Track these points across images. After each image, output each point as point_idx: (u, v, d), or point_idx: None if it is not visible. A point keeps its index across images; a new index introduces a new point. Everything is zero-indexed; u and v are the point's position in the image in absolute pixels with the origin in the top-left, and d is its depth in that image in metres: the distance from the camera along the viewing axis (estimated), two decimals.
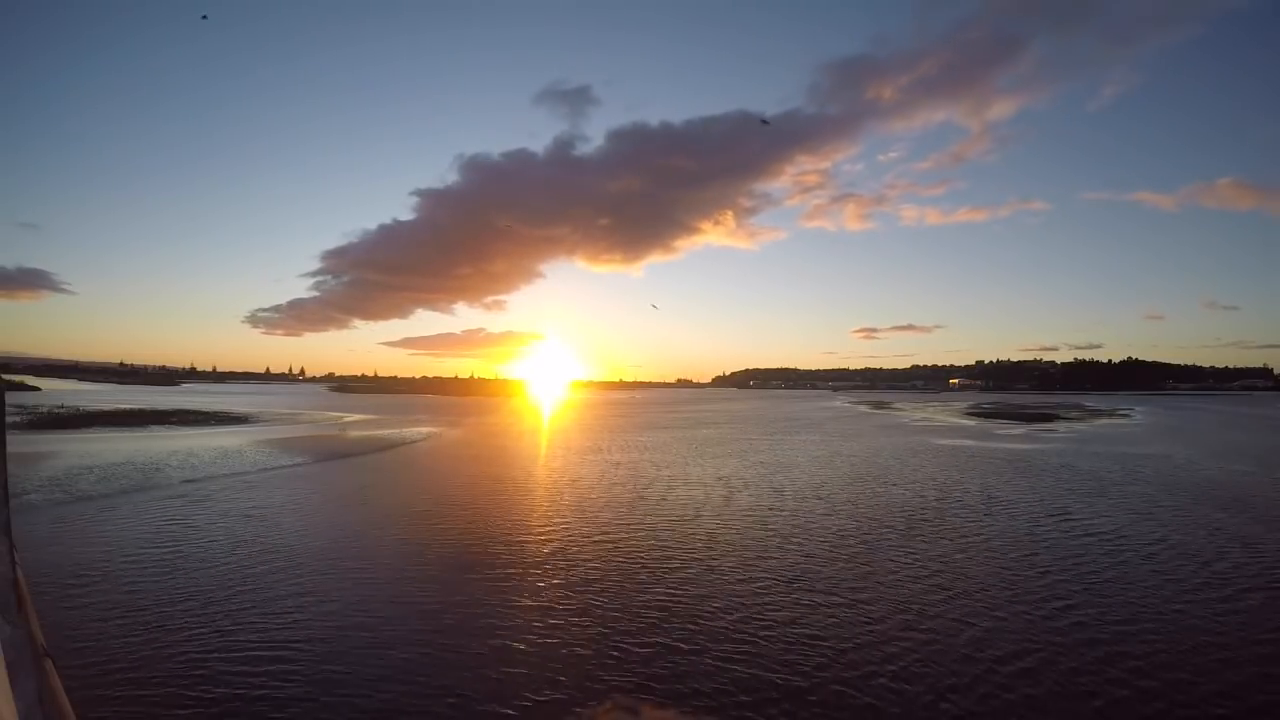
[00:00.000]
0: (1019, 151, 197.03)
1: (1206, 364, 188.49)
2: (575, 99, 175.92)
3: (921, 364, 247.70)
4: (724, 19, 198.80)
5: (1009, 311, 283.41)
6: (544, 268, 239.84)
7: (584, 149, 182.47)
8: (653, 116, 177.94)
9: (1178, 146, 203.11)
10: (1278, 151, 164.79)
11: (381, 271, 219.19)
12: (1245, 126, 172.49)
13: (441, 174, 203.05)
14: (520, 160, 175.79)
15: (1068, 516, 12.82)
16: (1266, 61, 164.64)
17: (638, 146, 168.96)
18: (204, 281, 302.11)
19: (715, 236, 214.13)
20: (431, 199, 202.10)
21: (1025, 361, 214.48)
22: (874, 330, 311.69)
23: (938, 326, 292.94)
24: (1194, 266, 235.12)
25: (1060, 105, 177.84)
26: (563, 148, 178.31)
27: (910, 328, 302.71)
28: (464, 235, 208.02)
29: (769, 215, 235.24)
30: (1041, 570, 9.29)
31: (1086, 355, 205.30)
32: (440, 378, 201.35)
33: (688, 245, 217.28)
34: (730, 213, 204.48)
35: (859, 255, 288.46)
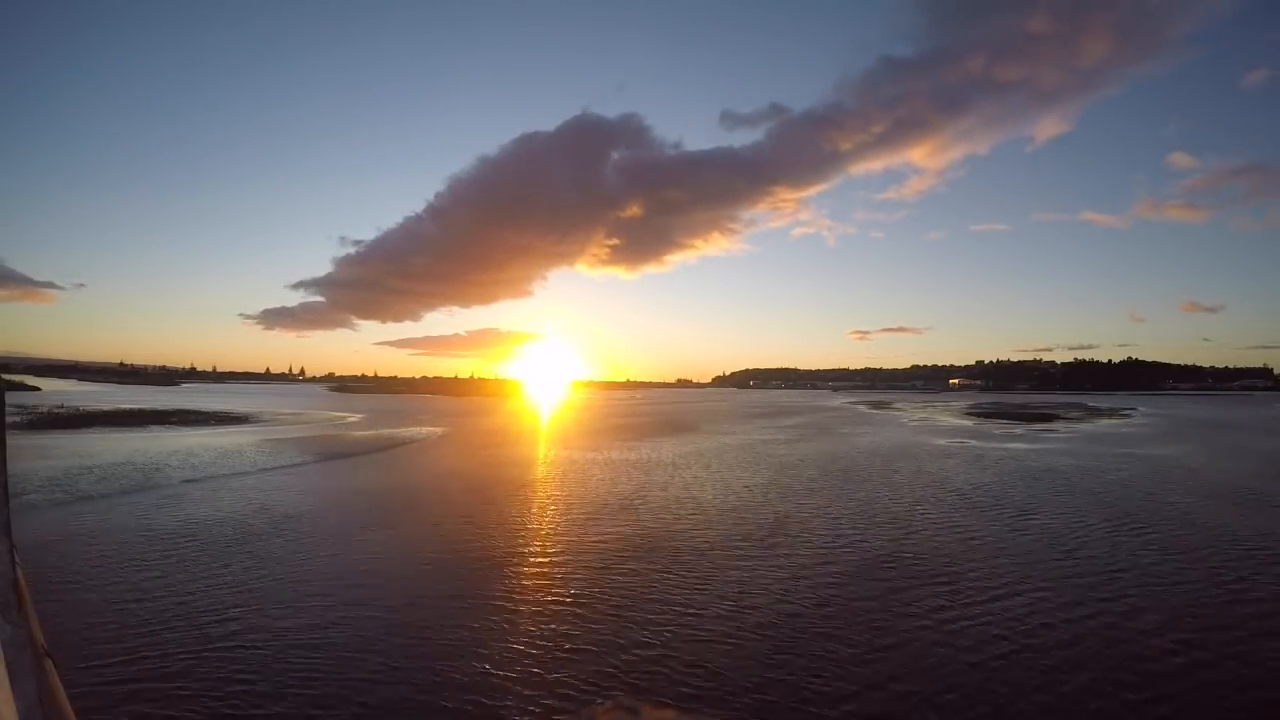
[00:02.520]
0: (970, 184, 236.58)
1: (1204, 364, 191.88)
2: (599, 128, 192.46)
3: (921, 364, 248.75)
4: (706, 72, 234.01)
5: (1001, 314, 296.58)
6: (548, 274, 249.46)
7: (598, 176, 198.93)
8: (653, 150, 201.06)
9: (1111, 176, 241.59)
10: (1201, 180, 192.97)
11: (387, 273, 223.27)
12: (1163, 160, 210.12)
13: (452, 183, 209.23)
14: (539, 181, 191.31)
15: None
16: (1182, 110, 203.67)
17: (640, 177, 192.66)
18: (204, 282, 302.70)
19: (706, 250, 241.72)
20: (442, 206, 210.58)
21: (1025, 361, 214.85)
22: (866, 333, 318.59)
23: (928, 328, 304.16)
24: (1170, 272, 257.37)
25: (1000, 149, 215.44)
26: (581, 173, 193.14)
27: (901, 329, 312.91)
28: (473, 243, 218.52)
29: (754, 235, 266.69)
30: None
31: (1083, 356, 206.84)
32: (441, 378, 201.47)
33: (681, 258, 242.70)
34: (717, 232, 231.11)
35: (845, 264, 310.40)
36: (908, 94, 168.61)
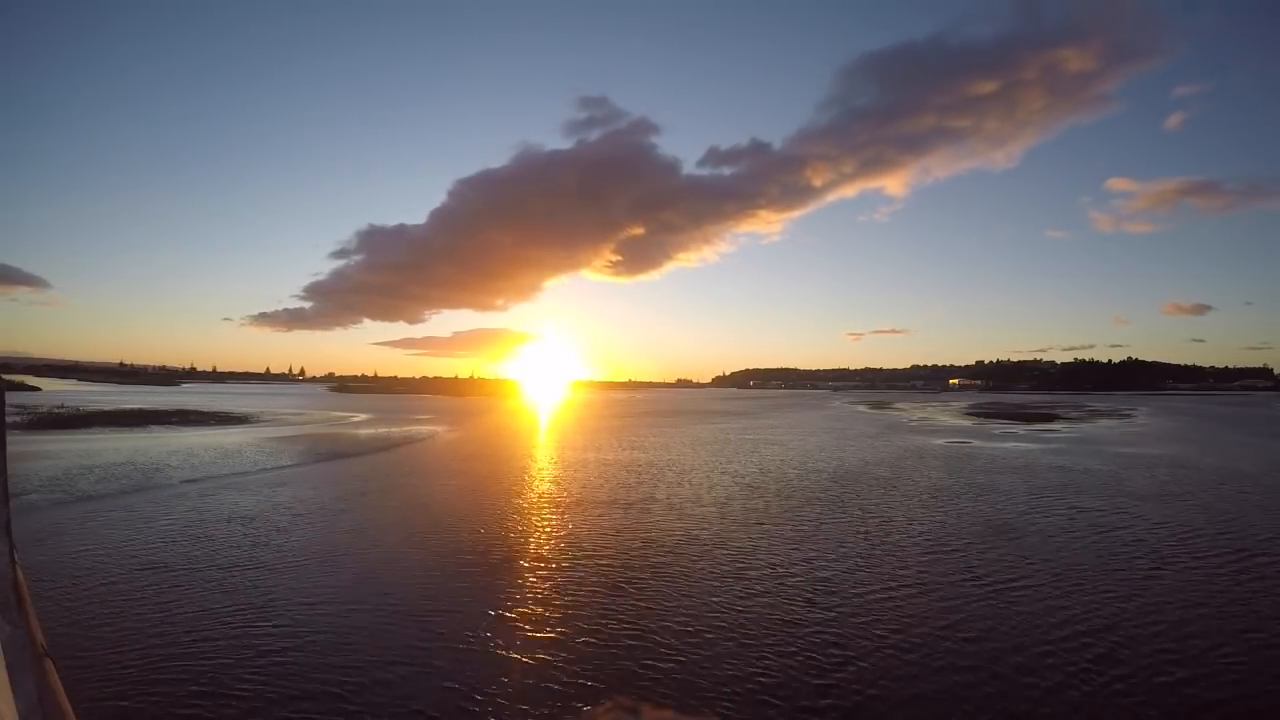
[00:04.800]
0: (938, 206, 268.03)
1: (1198, 364, 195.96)
2: (615, 158, 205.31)
3: (921, 364, 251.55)
4: (696, 106, 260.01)
5: (992, 316, 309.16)
6: (550, 281, 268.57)
7: (611, 202, 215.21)
8: (659, 179, 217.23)
9: (1061, 199, 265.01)
10: (1145, 201, 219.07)
11: (388, 276, 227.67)
12: (1103, 185, 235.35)
13: (460, 191, 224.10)
14: (553, 201, 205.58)
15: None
16: (1114, 146, 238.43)
17: (648, 203, 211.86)
18: (206, 282, 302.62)
19: (701, 258, 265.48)
20: (450, 213, 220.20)
21: (1025, 362, 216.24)
22: (860, 334, 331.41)
23: (919, 330, 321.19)
24: (1147, 277, 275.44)
25: (960, 179, 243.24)
26: (595, 198, 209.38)
27: (893, 331, 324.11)
28: (479, 251, 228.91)
29: (748, 244, 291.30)
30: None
31: (1081, 356, 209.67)
32: (441, 378, 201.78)
33: (675, 266, 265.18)
34: (708, 246, 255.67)
35: (837, 269, 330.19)
36: (871, 140, 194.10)
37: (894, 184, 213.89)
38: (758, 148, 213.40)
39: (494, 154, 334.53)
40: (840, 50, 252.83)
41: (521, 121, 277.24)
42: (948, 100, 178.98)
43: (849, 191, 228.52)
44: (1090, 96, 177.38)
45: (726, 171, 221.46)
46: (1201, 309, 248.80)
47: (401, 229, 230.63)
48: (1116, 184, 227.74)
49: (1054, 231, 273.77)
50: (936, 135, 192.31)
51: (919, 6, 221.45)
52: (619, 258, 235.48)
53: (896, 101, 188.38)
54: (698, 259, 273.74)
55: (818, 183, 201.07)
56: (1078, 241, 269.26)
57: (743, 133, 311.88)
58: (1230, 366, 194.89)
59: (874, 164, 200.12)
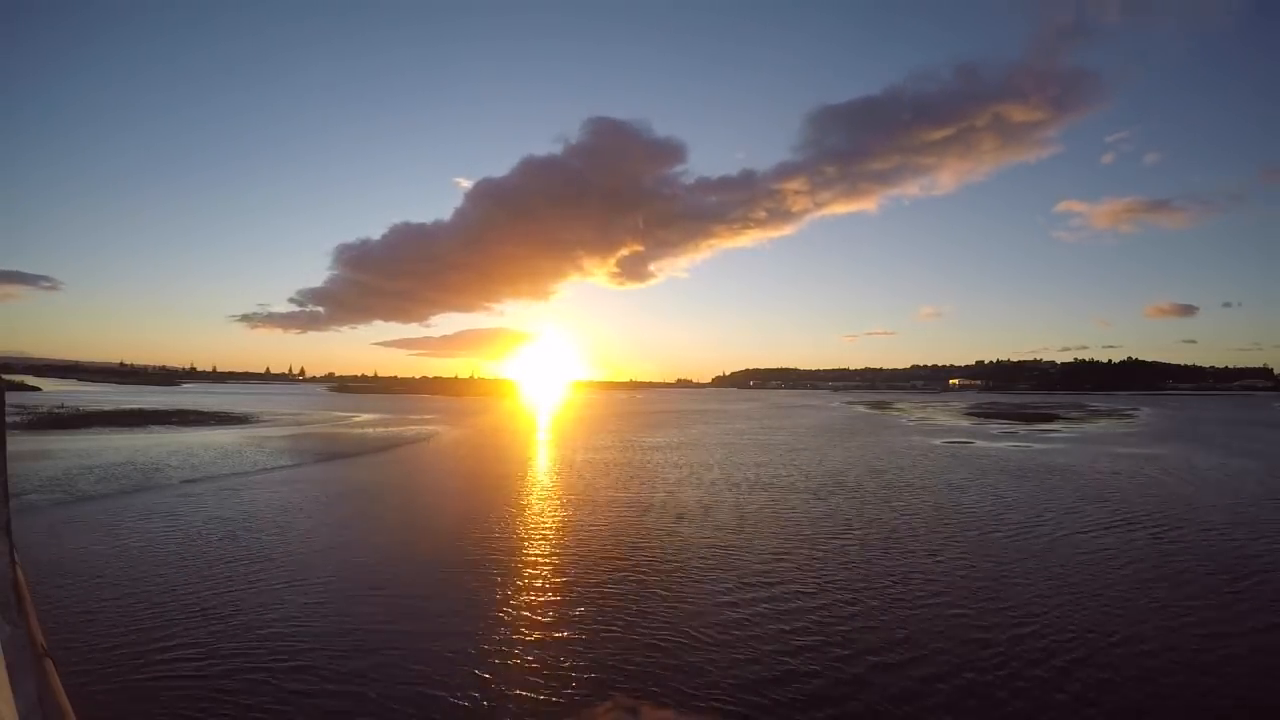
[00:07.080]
0: (906, 223, 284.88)
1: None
2: (633, 189, 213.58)
3: (921, 364, 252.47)
4: (691, 136, 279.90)
5: (982, 317, 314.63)
6: (554, 285, 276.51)
7: (619, 223, 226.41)
8: (662, 202, 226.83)
9: (1020, 218, 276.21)
10: (1101, 218, 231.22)
11: (389, 277, 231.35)
12: (1053, 208, 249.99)
13: (471, 198, 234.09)
14: (563, 216, 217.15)
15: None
16: (1060, 175, 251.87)
17: (646, 222, 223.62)
18: (205, 282, 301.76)
19: (690, 270, 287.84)
20: (460, 214, 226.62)
21: (1025, 362, 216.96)
22: (854, 335, 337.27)
23: (910, 332, 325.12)
24: (1141, 279, 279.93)
25: (928, 202, 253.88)
26: (606, 218, 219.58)
27: (887, 333, 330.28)
28: (486, 254, 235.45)
29: (736, 260, 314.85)
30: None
31: (1081, 356, 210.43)
32: (441, 378, 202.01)
33: (670, 276, 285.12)
34: (700, 258, 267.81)
35: (829, 273, 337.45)
36: (843, 175, 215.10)
37: (869, 205, 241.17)
38: (746, 176, 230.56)
39: (504, 164, 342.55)
40: (807, 99, 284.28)
41: (535, 131, 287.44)
42: (910, 143, 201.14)
43: (827, 213, 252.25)
44: (1036, 140, 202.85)
45: (714, 199, 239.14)
46: (1187, 310, 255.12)
47: (412, 233, 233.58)
48: (1066, 205, 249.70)
49: (1027, 242, 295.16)
50: (903, 170, 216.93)
51: (865, 71, 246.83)
52: (618, 270, 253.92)
53: (864, 144, 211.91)
54: (690, 269, 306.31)
55: (797, 209, 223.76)
56: (1053, 251, 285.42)
57: (732, 163, 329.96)
58: (1229, 366, 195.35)
59: (849, 194, 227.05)
